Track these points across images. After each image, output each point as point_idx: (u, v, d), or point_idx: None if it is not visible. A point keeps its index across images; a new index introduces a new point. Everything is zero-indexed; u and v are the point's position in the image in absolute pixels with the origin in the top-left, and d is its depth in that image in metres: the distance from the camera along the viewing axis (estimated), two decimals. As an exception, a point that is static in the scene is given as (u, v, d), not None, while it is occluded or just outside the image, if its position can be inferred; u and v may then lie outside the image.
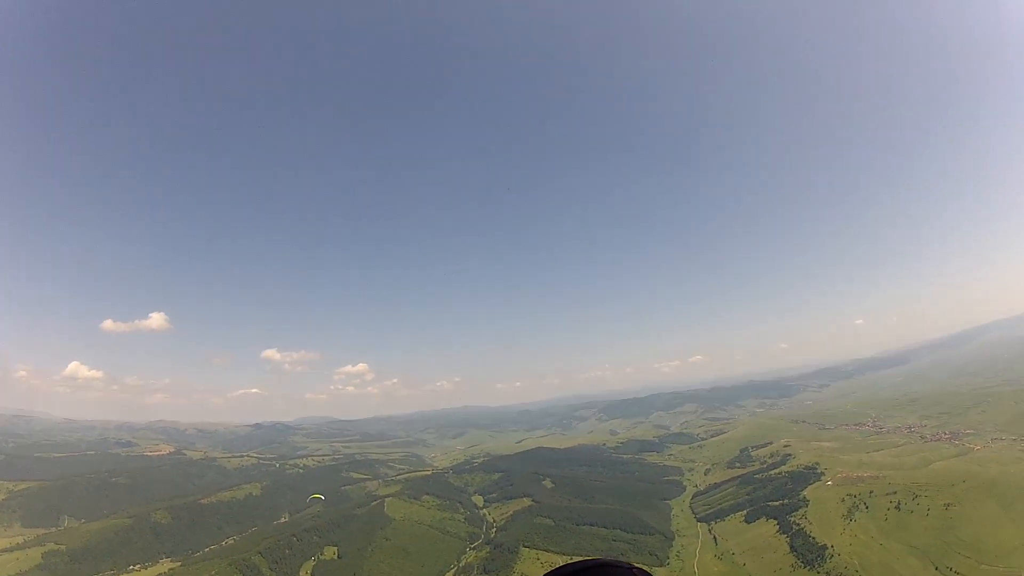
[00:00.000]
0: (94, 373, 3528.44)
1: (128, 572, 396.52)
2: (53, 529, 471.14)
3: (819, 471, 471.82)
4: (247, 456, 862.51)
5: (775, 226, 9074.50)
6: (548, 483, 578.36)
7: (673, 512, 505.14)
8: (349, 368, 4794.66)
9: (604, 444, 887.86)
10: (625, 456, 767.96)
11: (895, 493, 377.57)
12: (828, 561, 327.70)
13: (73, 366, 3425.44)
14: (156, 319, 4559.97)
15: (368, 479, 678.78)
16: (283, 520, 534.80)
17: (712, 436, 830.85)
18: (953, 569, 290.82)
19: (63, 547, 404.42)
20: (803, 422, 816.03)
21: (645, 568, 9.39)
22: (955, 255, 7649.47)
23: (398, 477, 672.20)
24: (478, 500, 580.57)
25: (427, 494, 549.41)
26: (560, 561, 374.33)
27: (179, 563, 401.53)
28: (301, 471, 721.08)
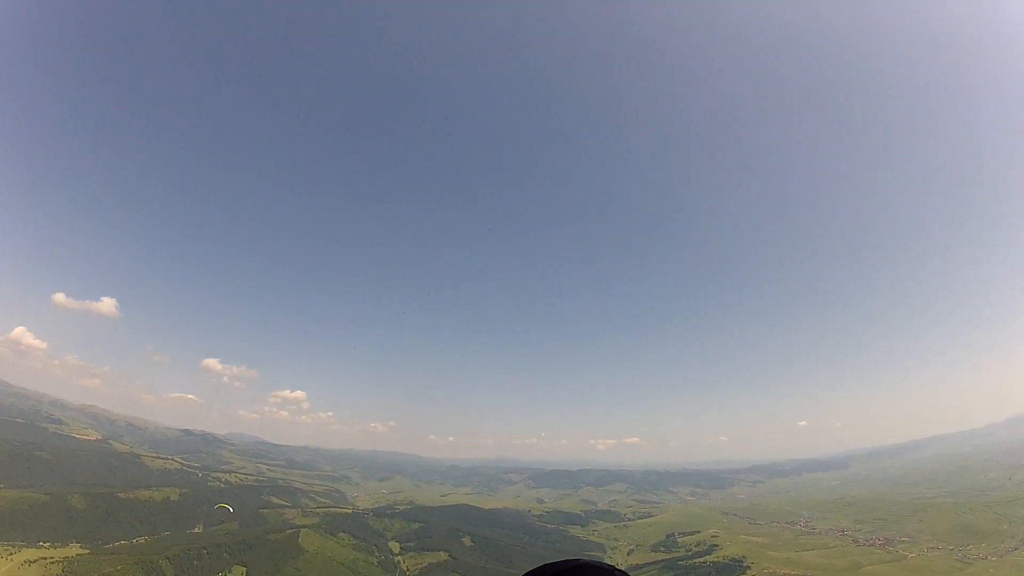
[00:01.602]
0: (38, 343, 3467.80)
1: (38, 547, 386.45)
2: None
3: (745, 564, 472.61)
4: (172, 460, 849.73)
5: (728, 320, 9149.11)
6: (467, 540, 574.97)
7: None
8: (287, 393, 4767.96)
9: (529, 511, 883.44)
10: (549, 526, 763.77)
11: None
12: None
13: (19, 331, 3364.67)
14: (107, 304, 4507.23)
15: (288, 506, 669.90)
16: (197, 530, 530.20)
17: (640, 517, 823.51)
18: None
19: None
20: (734, 515, 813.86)
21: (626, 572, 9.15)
22: (905, 368, 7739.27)
23: (318, 510, 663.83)
24: (395, 546, 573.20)
25: (344, 531, 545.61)
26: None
27: (88, 551, 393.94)
28: (223, 485, 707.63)
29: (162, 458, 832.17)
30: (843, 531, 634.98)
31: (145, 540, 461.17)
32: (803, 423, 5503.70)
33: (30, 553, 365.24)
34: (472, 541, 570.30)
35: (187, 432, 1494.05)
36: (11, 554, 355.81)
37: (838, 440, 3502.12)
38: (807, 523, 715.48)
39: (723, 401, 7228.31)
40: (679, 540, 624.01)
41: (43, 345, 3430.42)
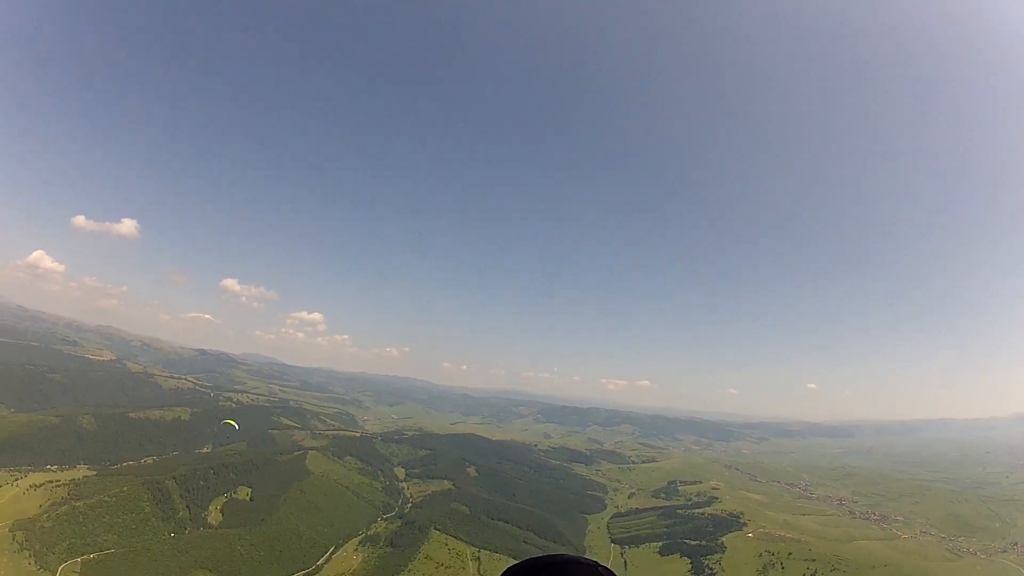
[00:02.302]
0: (56, 266, 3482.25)
1: (45, 470, 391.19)
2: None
3: (742, 520, 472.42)
4: (185, 379, 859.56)
5: (750, 274, 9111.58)
6: (472, 471, 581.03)
7: (589, 528, 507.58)
8: (304, 314, 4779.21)
9: (536, 445, 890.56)
10: (554, 461, 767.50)
11: (814, 560, 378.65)
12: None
13: (37, 255, 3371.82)
14: (127, 225, 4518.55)
15: (297, 428, 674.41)
16: (205, 450, 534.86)
17: (644, 461, 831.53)
18: None
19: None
20: (736, 469, 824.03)
21: (611, 569, 9.32)
22: (920, 348, 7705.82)
23: (326, 432, 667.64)
24: (400, 472, 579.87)
25: (351, 455, 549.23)
26: (466, 551, 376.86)
27: (95, 472, 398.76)
28: (234, 405, 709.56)
29: (175, 378, 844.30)
30: (841, 500, 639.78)
31: (153, 460, 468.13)
32: (813, 386, 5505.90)
33: (36, 477, 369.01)
34: (477, 472, 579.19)
35: (202, 352, 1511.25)
36: (16, 479, 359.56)
37: (846, 408, 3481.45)
38: (806, 487, 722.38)
39: (737, 354, 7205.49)
40: (680, 488, 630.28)
41: (61, 268, 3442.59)
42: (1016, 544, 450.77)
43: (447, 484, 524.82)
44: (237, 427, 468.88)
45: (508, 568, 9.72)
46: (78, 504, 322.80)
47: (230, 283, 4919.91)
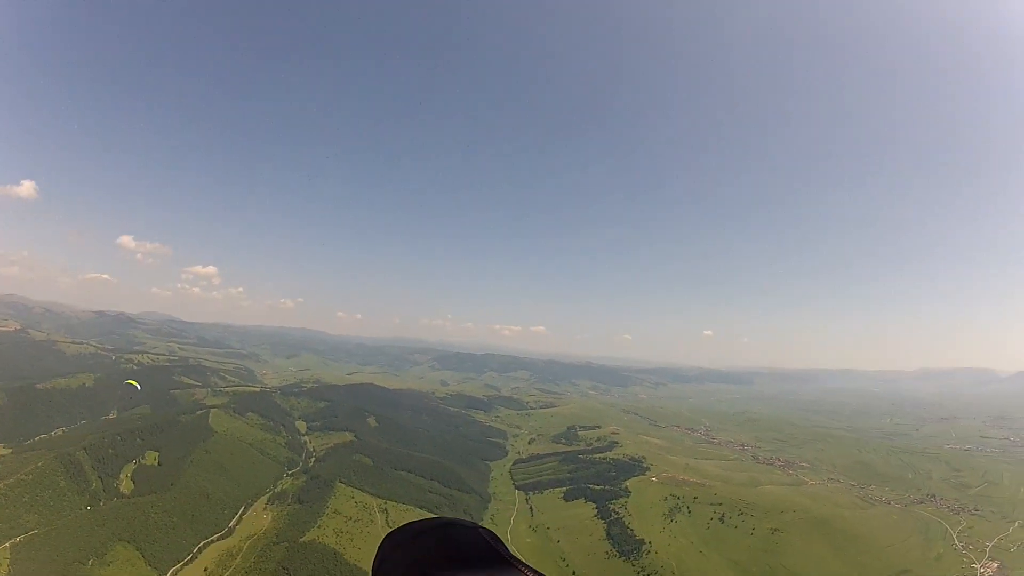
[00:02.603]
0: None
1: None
2: None
3: (644, 465, 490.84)
4: (87, 344, 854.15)
5: (645, 217, 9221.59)
6: (372, 421, 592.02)
7: (492, 475, 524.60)
8: (199, 268, 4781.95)
9: (433, 393, 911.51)
10: (452, 409, 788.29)
11: (720, 504, 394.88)
12: (644, 556, 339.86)
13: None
14: (26, 186, 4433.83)
15: (198, 386, 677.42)
16: (111, 416, 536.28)
17: (542, 407, 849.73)
18: None
19: None
20: (635, 414, 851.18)
21: (491, 530, 9.74)
22: (819, 296, 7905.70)
23: (227, 389, 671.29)
24: (301, 426, 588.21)
25: (252, 411, 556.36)
26: (373, 503, 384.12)
27: (10, 450, 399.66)
28: (135, 367, 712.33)
29: (77, 343, 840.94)
30: (743, 446, 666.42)
31: (63, 431, 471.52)
32: (709, 332, 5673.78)
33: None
34: (377, 422, 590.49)
35: (101, 314, 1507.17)
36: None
37: (743, 355, 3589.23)
38: (707, 432, 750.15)
39: (631, 300, 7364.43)
40: (580, 433, 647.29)
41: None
42: (934, 496, 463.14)
43: (348, 436, 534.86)
44: (139, 388, 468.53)
45: (389, 533, 9.89)
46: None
47: (126, 240, 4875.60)
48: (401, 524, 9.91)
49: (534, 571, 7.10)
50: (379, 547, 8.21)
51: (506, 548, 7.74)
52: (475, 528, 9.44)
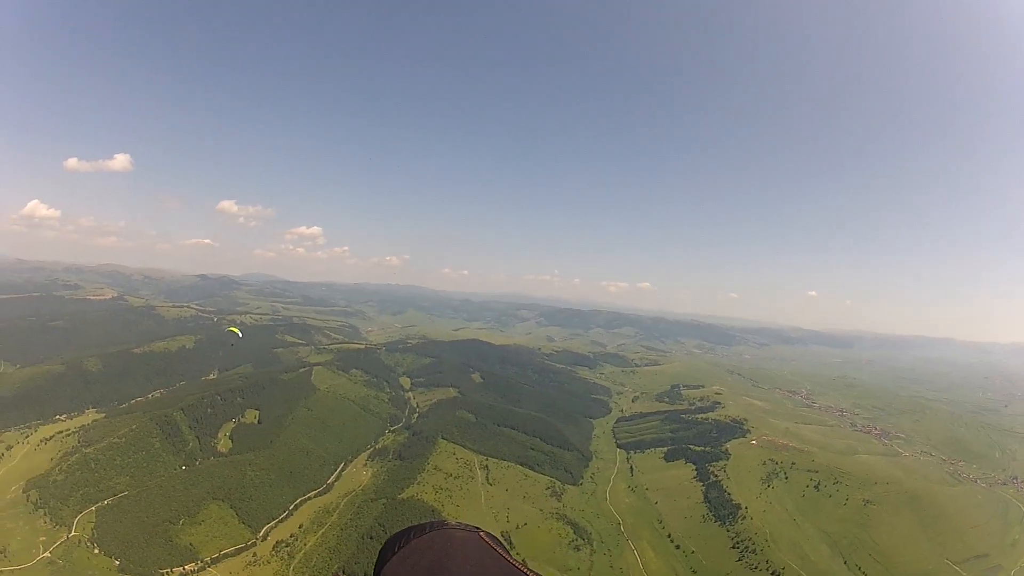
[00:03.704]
0: (52, 212, 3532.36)
1: (54, 421, 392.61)
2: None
3: (745, 428, 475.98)
4: (187, 307, 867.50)
5: (754, 179, 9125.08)
6: (477, 377, 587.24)
7: (595, 432, 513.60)
8: (303, 229, 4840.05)
9: (539, 349, 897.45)
10: (558, 365, 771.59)
11: (817, 472, 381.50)
12: (739, 522, 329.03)
13: (32, 205, 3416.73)
14: (120, 160, 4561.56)
15: (302, 344, 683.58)
16: (211, 377, 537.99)
17: (646, 365, 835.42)
18: (862, 569, 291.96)
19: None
20: (738, 374, 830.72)
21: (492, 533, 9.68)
22: (924, 263, 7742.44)
23: (331, 346, 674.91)
24: (405, 382, 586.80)
25: (356, 368, 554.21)
26: (474, 459, 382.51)
27: (103, 414, 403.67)
28: (232, 345, 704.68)
29: (177, 307, 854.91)
30: (842, 411, 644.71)
31: (161, 393, 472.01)
32: (813, 293, 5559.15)
33: (46, 430, 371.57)
34: (482, 378, 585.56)
35: (203, 277, 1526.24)
36: (26, 436, 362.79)
37: (846, 318, 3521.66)
38: (808, 396, 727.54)
39: (738, 258, 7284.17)
40: (683, 392, 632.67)
41: (56, 213, 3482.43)
42: (1016, 478, 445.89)
43: (452, 392, 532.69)
44: (241, 334, 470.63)
45: (390, 536, 9.80)
46: (88, 451, 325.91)
47: (227, 205, 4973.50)
48: (403, 528, 10.00)
49: (533, 572, 7.56)
50: (381, 550, 8.98)
51: (506, 550, 8.20)
52: (475, 531, 9.60)
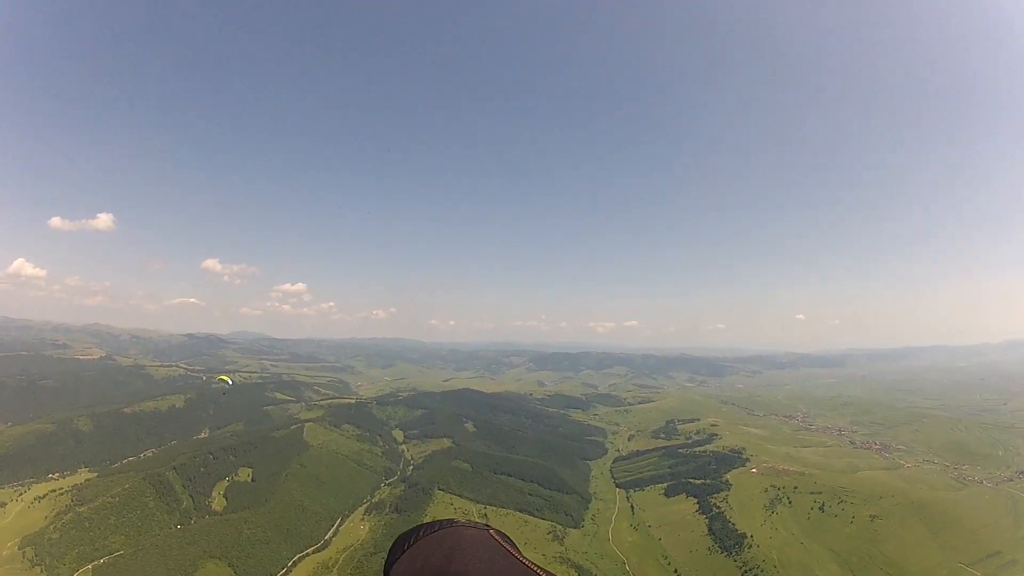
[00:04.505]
0: (38, 271, 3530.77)
1: (47, 480, 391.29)
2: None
3: (744, 456, 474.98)
4: (176, 366, 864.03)
5: (732, 208, 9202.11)
6: (470, 426, 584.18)
7: (593, 474, 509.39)
8: (288, 286, 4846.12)
9: (531, 394, 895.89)
10: (550, 409, 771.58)
11: (820, 493, 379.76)
12: (746, 551, 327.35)
13: (18, 263, 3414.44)
14: (103, 219, 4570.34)
15: (292, 401, 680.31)
16: (203, 435, 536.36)
17: (640, 403, 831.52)
18: None
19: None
20: (732, 404, 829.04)
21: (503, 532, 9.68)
22: (907, 274, 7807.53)
23: (322, 402, 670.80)
24: (398, 435, 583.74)
25: (348, 423, 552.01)
26: (472, 508, 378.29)
27: (95, 473, 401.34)
28: (224, 393, 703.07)
29: (166, 366, 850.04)
30: (840, 430, 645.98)
31: (153, 452, 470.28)
32: (801, 316, 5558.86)
33: (39, 488, 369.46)
34: (475, 426, 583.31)
35: (190, 336, 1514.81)
36: (20, 494, 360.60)
37: (835, 337, 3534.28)
38: (805, 419, 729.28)
39: (722, 288, 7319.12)
40: (679, 427, 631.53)
41: (42, 272, 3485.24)
42: (1022, 474, 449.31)
43: (446, 442, 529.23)
44: (230, 383, 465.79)
45: (399, 535, 9.54)
46: (82, 510, 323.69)
47: (211, 263, 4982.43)
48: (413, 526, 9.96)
49: (545, 570, 7.57)
50: (390, 549, 9.11)
51: (516, 547, 8.30)
52: (485, 528, 9.52)
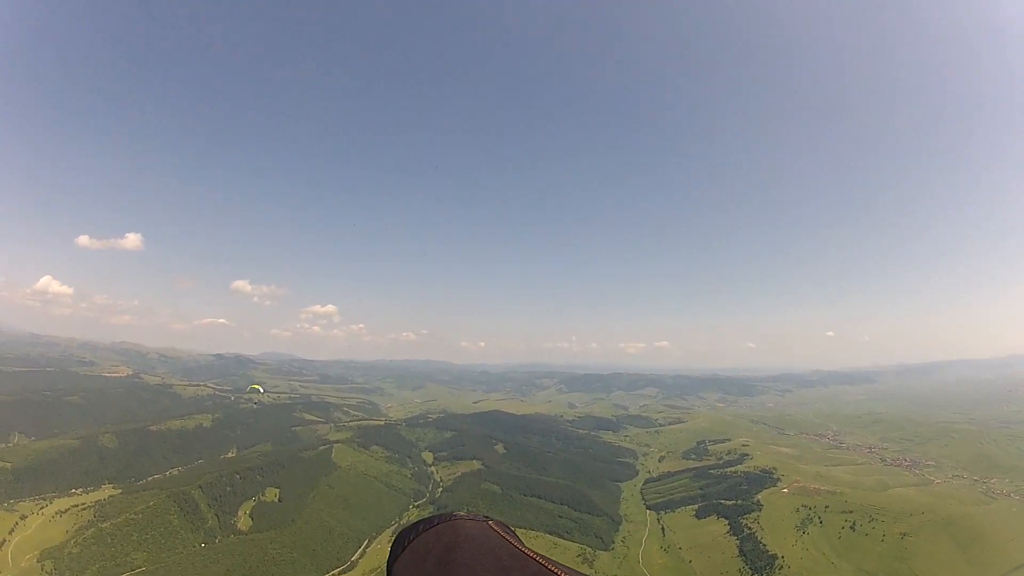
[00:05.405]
0: (65, 289, 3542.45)
1: (70, 495, 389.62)
2: (2, 445, 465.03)
3: (775, 476, 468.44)
4: (203, 386, 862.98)
5: (760, 227, 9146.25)
6: (500, 448, 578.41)
7: (623, 495, 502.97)
8: (317, 308, 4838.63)
9: (561, 416, 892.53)
10: (581, 431, 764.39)
11: (851, 512, 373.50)
12: (777, 572, 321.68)
13: (45, 280, 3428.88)
14: (132, 239, 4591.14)
15: (320, 422, 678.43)
16: (230, 455, 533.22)
17: (670, 423, 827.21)
18: None
19: (9, 464, 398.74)
20: (763, 424, 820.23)
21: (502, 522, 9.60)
22: (935, 288, 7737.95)
23: (350, 423, 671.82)
24: (428, 456, 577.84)
25: (377, 444, 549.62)
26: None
27: (120, 490, 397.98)
28: (255, 406, 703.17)
29: (194, 385, 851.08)
30: (870, 448, 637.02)
31: (179, 471, 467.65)
32: (830, 333, 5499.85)
33: (61, 503, 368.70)
34: (505, 448, 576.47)
35: (219, 356, 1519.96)
36: (42, 508, 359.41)
37: (864, 353, 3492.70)
38: (835, 437, 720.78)
39: (751, 307, 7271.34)
40: (710, 448, 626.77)
41: (69, 290, 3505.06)
42: None
43: (476, 464, 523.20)
44: (262, 390, 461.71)
45: (401, 530, 9.67)
46: (104, 526, 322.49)
47: (241, 284, 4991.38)
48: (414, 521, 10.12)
49: (545, 558, 7.62)
50: (392, 545, 9.29)
51: (517, 538, 8.41)
52: (485, 520, 9.51)
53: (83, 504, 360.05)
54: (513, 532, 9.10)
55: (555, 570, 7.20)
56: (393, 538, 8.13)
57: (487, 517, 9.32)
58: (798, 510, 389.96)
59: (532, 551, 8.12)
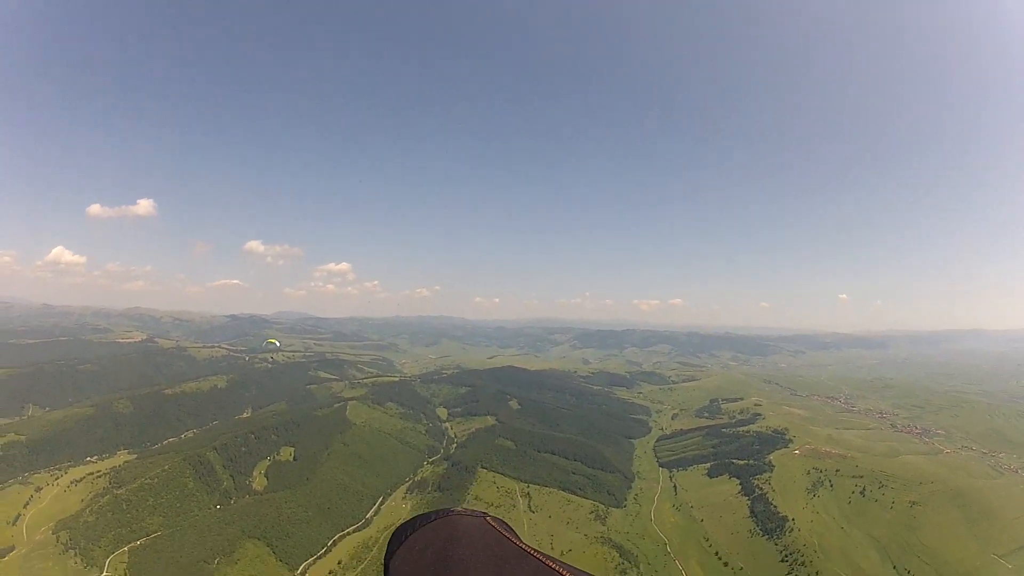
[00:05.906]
0: (77, 258, 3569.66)
1: (84, 464, 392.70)
2: (16, 419, 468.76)
3: (787, 437, 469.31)
4: (218, 347, 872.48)
5: (778, 186, 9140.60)
6: (514, 404, 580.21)
7: (636, 452, 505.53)
8: (331, 266, 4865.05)
9: (575, 372, 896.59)
10: (595, 387, 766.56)
11: (861, 477, 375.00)
12: (787, 535, 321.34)
13: (57, 251, 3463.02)
14: (143, 205, 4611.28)
15: (335, 380, 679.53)
16: (245, 415, 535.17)
17: (684, 381, 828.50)
18: (911, 573, 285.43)
19: (23, 437, 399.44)
20: (775, 384, 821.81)
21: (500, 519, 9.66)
22: (951, 258, 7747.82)
23: (365, 380, 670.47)
24: (442, 412, 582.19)
25: (391, 401, 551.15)
26: (515, 487, 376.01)
27: (135, 455, 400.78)
28: (269, 366, 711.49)
29: (208, 347, 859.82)
30: (882, 413, 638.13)
31: (194, 433, 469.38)
32: (844, 297, 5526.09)
33: (76, 472, 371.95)
34: (519, 404, 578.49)
35: (233, 317, 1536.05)
36: (57, 479, 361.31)
37: (877, 319, 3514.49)
38: (847, 401, 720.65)
39: (767, 267, 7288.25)
40: (722, 406, 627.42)
41: (82, 259, 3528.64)
42: None
43: (490, 420, 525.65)
44: (279, 344, 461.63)
45: (398, 526, 9.69)
46: (120, 492, 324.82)
47: (254, 245, 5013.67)
48: (412, 516, 10.06)
49: (543, 554, 7.62)
50: (389, 540, 9.72)
51: (514, 533, 8.41)
52: (482, 516, 9.55)
53: (98, 472, 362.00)
54: (511, 528, 9.10)
55: (553, 566, 7.18)
56: (390, 534, 8.48)
57: (484, 513, 9.28)
58: (809, 472, 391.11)
59: (530, 547, 8.12)
